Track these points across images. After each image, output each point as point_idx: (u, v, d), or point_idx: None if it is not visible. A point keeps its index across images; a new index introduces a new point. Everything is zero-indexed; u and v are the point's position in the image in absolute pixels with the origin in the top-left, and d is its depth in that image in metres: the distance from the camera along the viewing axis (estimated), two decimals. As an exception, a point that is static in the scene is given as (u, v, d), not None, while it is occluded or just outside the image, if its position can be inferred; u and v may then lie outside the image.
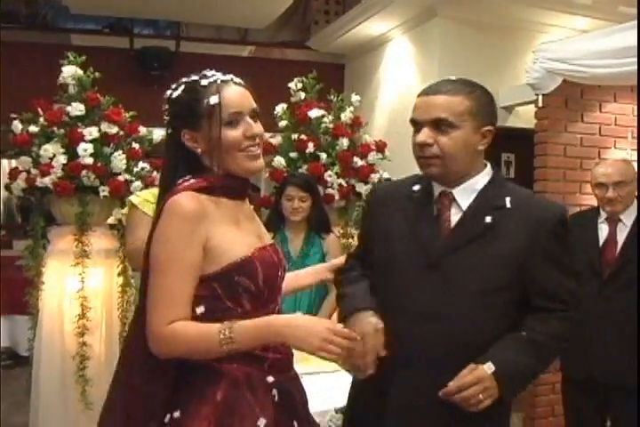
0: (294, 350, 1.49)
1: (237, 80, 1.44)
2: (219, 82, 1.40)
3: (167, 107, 1.44)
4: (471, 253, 1.48)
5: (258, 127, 1.43)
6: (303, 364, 1.63)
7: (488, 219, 1.49)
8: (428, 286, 1.48)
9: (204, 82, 1.40)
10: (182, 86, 1.42)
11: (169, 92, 1.44)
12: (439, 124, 1.48)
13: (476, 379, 1.38)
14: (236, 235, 1.40)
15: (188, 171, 1.42)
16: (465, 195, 1.54)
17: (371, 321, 1.46)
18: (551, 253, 1.51)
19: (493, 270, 1.48)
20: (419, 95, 1.55)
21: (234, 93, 1.41)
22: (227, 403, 1.33)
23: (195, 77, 1.43)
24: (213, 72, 1.44)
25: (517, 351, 1.45)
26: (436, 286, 1.48)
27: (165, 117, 1.45)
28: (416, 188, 1.59)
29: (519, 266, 1.48)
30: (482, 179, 1.56)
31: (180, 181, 1.40)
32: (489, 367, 1.40)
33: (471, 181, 1.55)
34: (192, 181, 1.40)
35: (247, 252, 1.38)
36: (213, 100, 1.38)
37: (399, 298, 1.51)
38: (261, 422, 1.34)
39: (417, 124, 1.53)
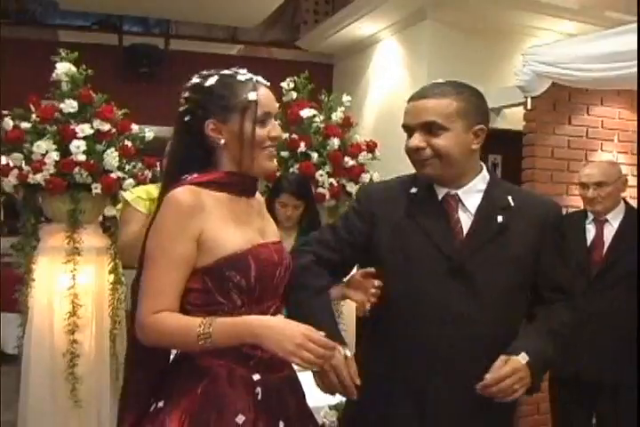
0: None
1: (265, 82, 1.47)
2: (254, 80, 1.44)
3: (190, 94, 1.44)
4: (489, 253, 1.51)
5: (280, 130, 1.47)
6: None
7: (500, 219, 1.53)
8: (452, 290, 1.49)
9: (240, 77, 1.43)
10: (215, 77, 1.43)
11: (196, 80, 1.44)
12: (429, 128, 1.50)
13: (513, 370, 1.40)
14: (233, 230, 1.40)
15: (197, 165, 1.43)
16: (470, 196, 1.57)
17: (339, 351, 1.41)
18: (554, 246, 1.58)
19: (513, 269, 1.52)
20: (408, 101, 1.57)
21: (267, 94, 1.45)
22: (206, 397, 1.35)
23: (228, 72, 1.44)
24: (245, 71, 1.46)
25: (541, 341, 1.50)
26: (461, 288, 1.50)
27: (183, 105, 1.44)
28: (414, 190, 1.60)
29: (533, 262, 1.54)
30: (483, 179, 1.59)
31: (185, 176, 1.42)
32: (523, 358, 1.42)
33: (473, 181, 1.58)
34: (195, 175, 1.42)
35: (242, 247, 1.38)
36: (252, 96, 1.40)
37: (423, 303, 1.51)
38: (240, 418, 1.35)
39: (409, 130, 1.55)
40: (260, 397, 1.39)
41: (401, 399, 1.53)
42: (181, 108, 1.45)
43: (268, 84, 1.48)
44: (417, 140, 1.52)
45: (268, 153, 1.44)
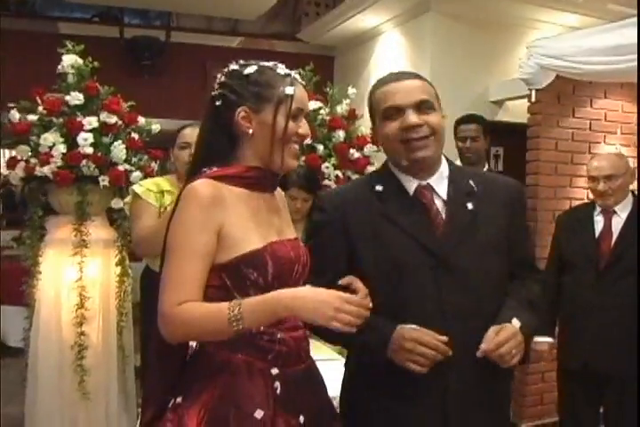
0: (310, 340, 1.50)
1: (301, 81, 1.47)
2: (293, 76, 1.43)
3: (226, 80, 1.43)
4: (469, 242, 1.50)
5: (308, 129, 1.46)
6: (314, 352, 1.63)
7: (470, 206, 1.52)
8: (445, 285, 1.47)
9: (280, 71, 1.43)
10: (255, 67, 1.42)
11: (235, 67, 1.44)
12: (422, 106, 1.48)
13: (511, 334, 1.41)
14: (250, 226, 1.38)
15: (220, 157, 1.42)
16: (440, 184, 1.54)
17: (406, 328, 1.43)
18: (522, 226, 1.63)
19: (495, 255, 1.52)
20: (388, 82, 1.53)
21: (303, 91, 1.44)
22: (224, 392, 1.34)
23: (268, 64, 1.44)
24: (283, 66, 1.46)
25: (525, 311, 1.52)
26: (454, 282, 1.48)
27: (217, 90, 1.43)
28: (379, 188, 1.55)
29: (507, 244, 1.55)
30: (446, 166, 1.58)
31: (205, 169, 1.41)
32: (516, 323, 1.44)
33: (441, 168, 1.56)
34: (214, 168, 1.41)
35: (259, 245, 1.36)
36: (289, 90, 1.40)
37: (420, 302, 1.48)
38: (258, 413, 1.33)
39: (399, 110, 1.50)
40: (279, 391, 1.37)
41: (410, 397, 1.49)
42: (214, 93, 1.43)
43: (304, 83, 1.48)
44: (414, 117, 1.48)
45: (292, 149, 1.43)
